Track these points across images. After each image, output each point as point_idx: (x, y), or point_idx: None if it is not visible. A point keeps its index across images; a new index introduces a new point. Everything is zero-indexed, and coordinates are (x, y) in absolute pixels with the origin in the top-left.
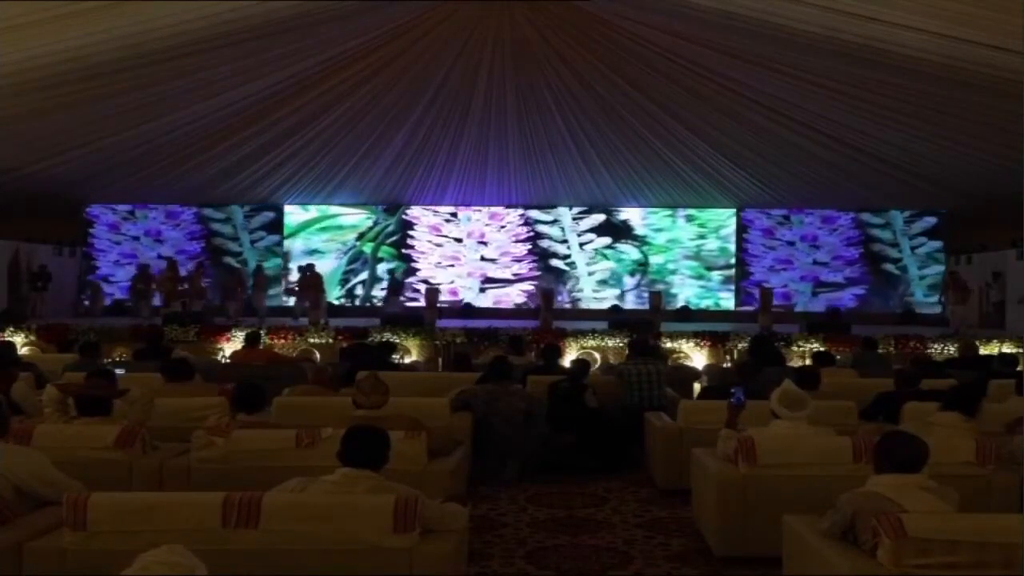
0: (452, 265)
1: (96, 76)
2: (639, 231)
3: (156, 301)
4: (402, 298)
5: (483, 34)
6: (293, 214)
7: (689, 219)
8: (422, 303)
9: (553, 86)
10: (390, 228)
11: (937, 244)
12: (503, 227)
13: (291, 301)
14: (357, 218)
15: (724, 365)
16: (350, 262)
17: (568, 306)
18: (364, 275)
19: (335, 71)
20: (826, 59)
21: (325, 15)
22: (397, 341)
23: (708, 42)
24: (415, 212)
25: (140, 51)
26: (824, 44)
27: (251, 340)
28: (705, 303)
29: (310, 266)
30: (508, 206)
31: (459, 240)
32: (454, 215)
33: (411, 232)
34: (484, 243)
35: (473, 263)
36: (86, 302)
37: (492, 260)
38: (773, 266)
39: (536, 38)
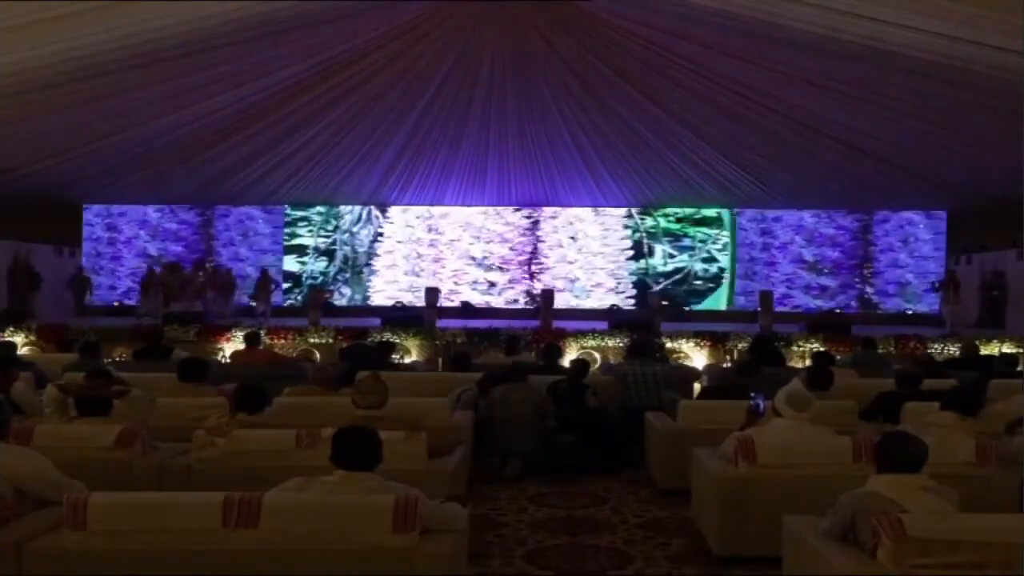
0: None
1: (96, 76)
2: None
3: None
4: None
5: (483, 34)
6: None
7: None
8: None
9: (553, 86)
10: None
11: (939, 243)
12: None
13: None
14: None
15: (724, 365)
16: None
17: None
18: None
19: (335, 71)
20: (826, 59)
21: (325, 15)
22: (397, 341)
23: (708, 42)
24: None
25: (140, 51)
26: (824, 44)
27: (251, 340)
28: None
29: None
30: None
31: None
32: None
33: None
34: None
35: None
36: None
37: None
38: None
39: (536, 38)
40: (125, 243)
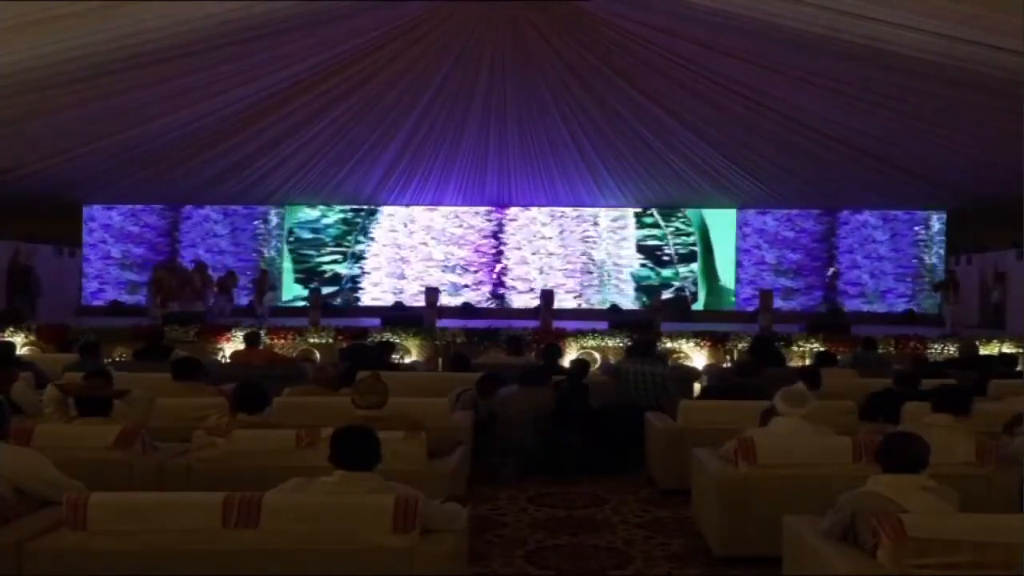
0: None
1: (96, 76)
2: None
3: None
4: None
5: (483, 34)
6: None
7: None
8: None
9: (553, 86)
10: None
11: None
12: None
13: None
14: None
15: (724, 365)
16: None
17: None
18: None
19: (335, 71)
20: (826, 59)
21: (325, 15)
22: (397, 341)
23: (708, 42)
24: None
25: (140, 51)
26: (824, 44)
27: (251, 340)
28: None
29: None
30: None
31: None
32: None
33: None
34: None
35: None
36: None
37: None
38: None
39: (536, 38)
40: (92, 246)
